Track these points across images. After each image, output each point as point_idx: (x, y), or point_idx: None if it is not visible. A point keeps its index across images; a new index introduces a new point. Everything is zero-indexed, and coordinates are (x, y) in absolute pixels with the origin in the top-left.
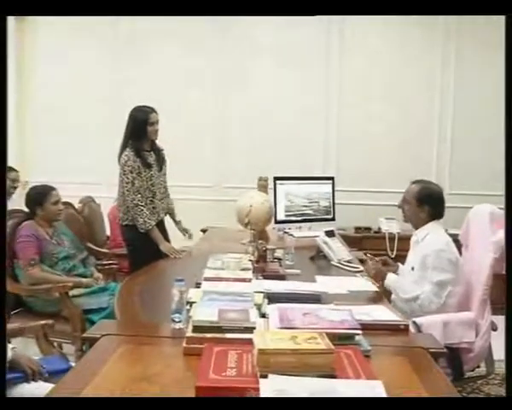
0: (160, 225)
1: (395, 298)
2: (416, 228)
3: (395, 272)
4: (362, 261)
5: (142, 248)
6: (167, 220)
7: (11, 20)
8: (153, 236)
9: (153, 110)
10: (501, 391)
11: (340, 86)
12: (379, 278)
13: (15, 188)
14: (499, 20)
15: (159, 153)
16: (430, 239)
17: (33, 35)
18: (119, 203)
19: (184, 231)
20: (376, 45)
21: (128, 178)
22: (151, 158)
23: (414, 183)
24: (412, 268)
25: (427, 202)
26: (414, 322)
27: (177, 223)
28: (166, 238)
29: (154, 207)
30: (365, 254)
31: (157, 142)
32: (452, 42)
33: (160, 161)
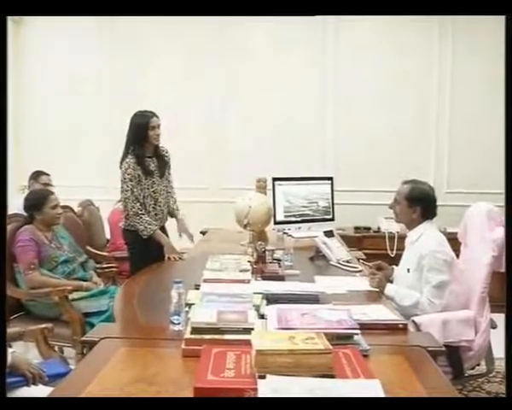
0: (162, 230)
1: (396, 307)
2: (409, 228)
3: (390, 275)
4: (358, 260)
5: (143, 252)
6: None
7: (7, 22)
8: (157, 238)
9: (154, 114)
10: (501, 389)
11: (336, 86)
12: (380, 289)
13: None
14: (495, 17)
15: (162, 158)
16: (424, 240)
17: (30, 37)
18: (122, 208)
19: (183, 231)
20: (372, 44)
21: (128, 186)
22: (153, 164)
23: (405, 183)
24: (408, 270)
25: (418, 203)
26: (413, 321)
27: (178, 221)
28: None
29: (156, 214)
30: (359, 260)
31: (161, 145)
32: (448, 40)
33: (163, 166)
